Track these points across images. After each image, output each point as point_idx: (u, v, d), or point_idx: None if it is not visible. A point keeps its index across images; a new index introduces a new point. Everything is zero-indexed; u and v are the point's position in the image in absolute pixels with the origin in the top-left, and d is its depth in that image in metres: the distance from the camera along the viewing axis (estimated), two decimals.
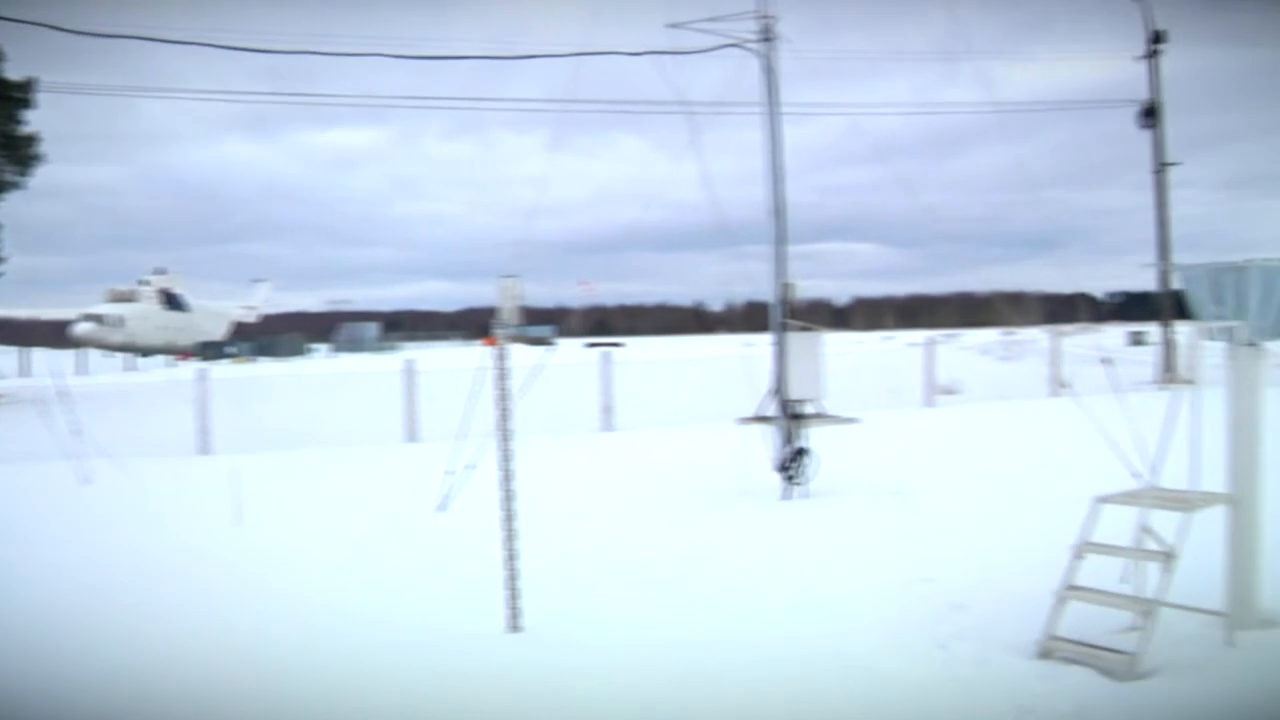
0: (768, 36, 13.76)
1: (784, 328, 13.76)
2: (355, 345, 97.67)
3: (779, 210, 13.71)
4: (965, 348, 45.53)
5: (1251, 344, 7.41)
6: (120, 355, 76.55)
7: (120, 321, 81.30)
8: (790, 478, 13.62)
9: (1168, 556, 6.93)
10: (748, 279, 14.05)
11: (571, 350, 48.44)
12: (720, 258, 13.91)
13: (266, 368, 54.41)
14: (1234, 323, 7.31)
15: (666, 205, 14.99)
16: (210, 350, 79.68)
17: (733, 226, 13.82)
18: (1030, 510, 11.85)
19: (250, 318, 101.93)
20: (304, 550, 10.95)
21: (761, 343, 14.64)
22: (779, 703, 6.38)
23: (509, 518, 7.99)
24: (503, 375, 8.08)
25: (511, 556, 7.92)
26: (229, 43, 15.67)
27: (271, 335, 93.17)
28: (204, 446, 20.55)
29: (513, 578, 7.88)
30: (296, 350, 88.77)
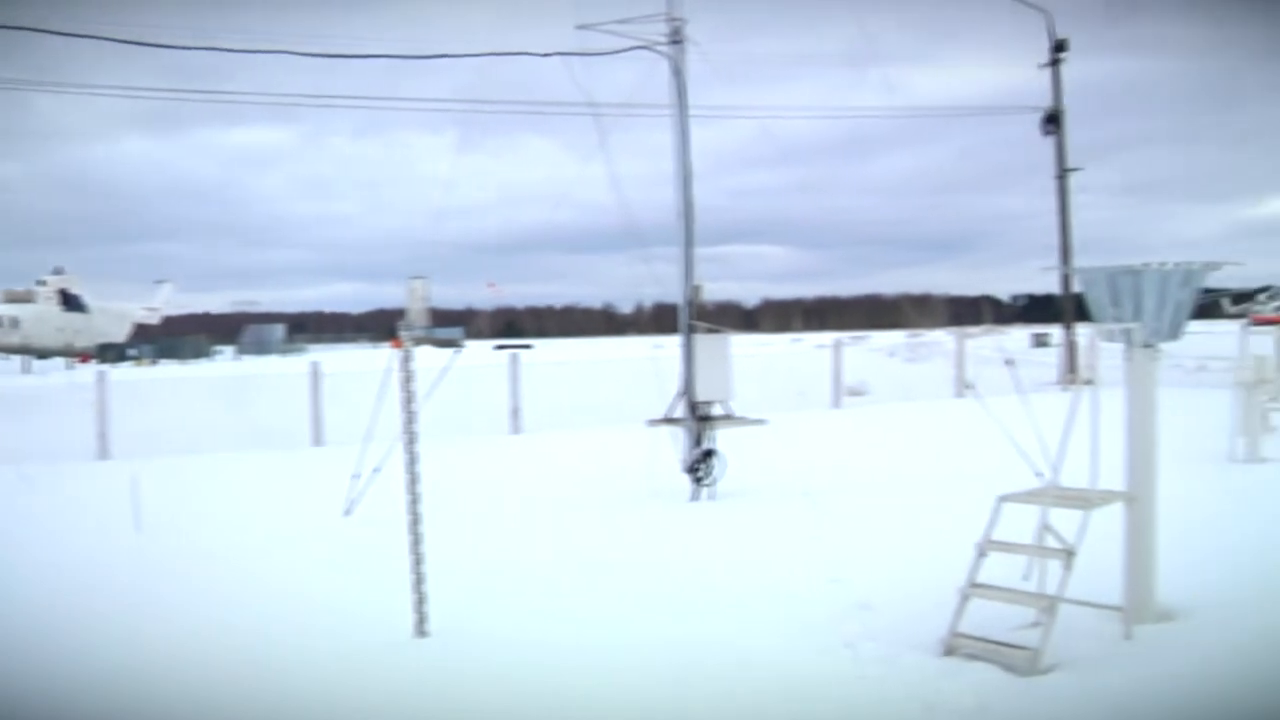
0: (677, 39, 13.78)
1: (692, 330, 13.83)
2: (261, 347, 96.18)
3: (687, 212, 13.74)
4: (873, 349, 46.05)
5: (1147, 345, 7.57)
6: (16, 358, 74.64)
7: (15, 323, 78.91)
8: (699, 479, 13.66)
9: (1068, 554, 7.05)
10: (657, 281, 14.10)
11: (480, 352, 48.17)
12: (629, 260, 13.92)
13: (169, 370, 53.48)
14: (1131, 325, 7.47)
15: (576, 207, 15.01)
16: (110, 352, 77.76)
17: (642, 229, 13.87)
18: (936, 510, 11.97)
19: (153, 319, 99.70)
20: (203, 557, 10.70)
21: (671, 345, 14.69)
22: (684, 702, 6.37)
23: (415, 522, 7.90)
24: (409, 378, 7.98)
25: (418, 561, 7.82)
26: (130, 37, 15.34)
27: (174, 337, 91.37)
28: (103, 451, 20.08)
29: (419, 582, 7.78)
30: (200, 352, 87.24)
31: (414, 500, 7.92)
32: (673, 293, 14.02)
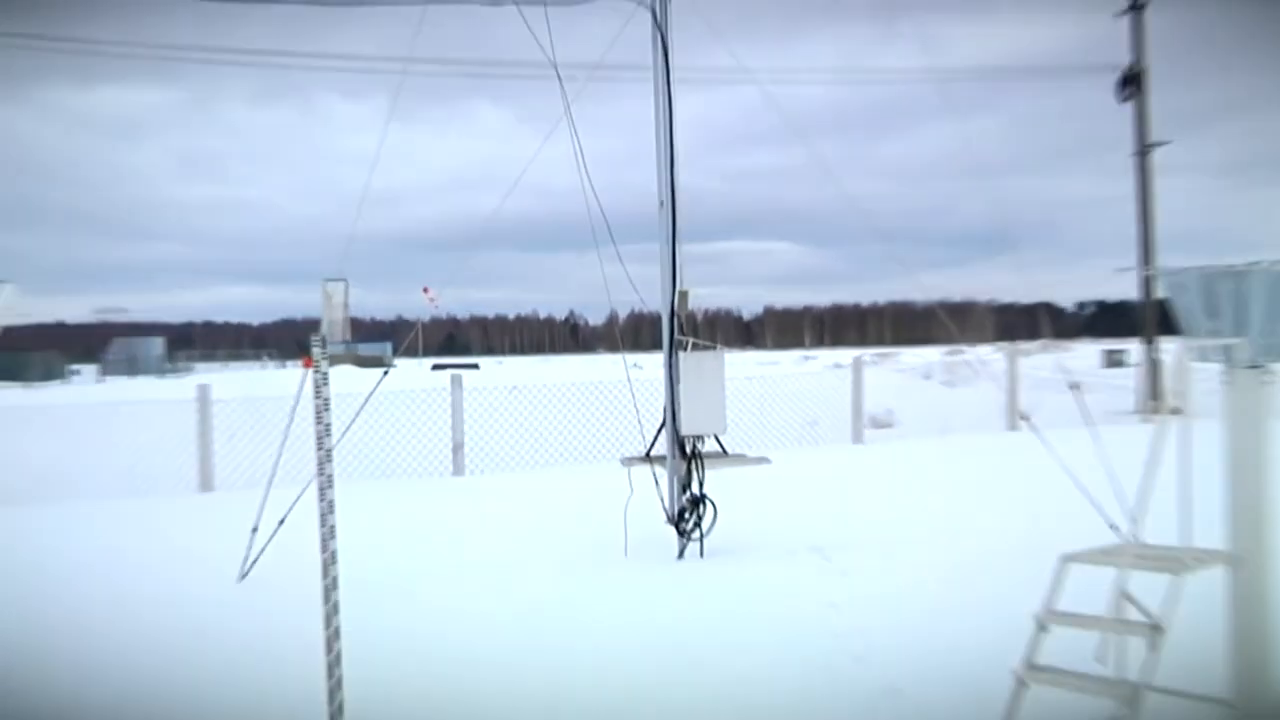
0: None
1: (677, 346, 13.82)
2: (133, 366, 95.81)
3: (671, 201, 13.70)
4: (902, 370, 46.20)
5: (1255, 366, 7.51)
6: None
7: None
8: (686, 532, 13.58)
9: (1154, 629, 6.97)
10: (633, 286, 13.98)
11: (415, 373, 48.02)
12: (599, 259, 13.80)
13: (10, 395, 53.03)
14: (1233, 340, 7.42)
15: (535, 193, 14.91)
16: None
17: (616, 220, 13.78)
18: (982, 571, 11.99)
19: None
20: (62, 626, 10.58)
21: (652, 364, 14.69)
22: None
23: (330, 588, 7.80)
24: (324, 406, 7.90)
25: (333, 637, 7.73)
26: None
27: (18, 353, 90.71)
28: None
29: (334, 663, 7.68)
30: (52, 373, 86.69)
31: (329, 561, 7.83)
32: (654, 300, 14.00)
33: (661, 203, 13.77)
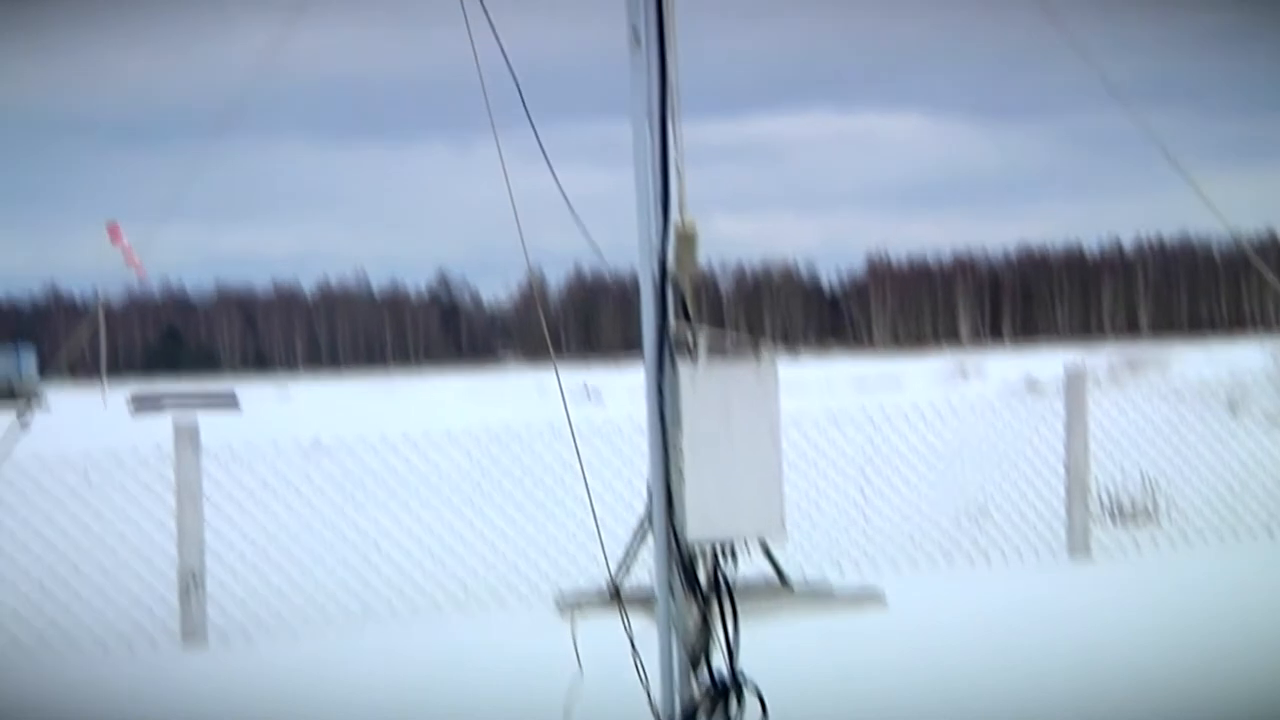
0: None
1: (674, 349, 12.27)
2: None
3: (659, 27, 12.19)
4: (1177, 391, 43.80)
5: None
6: None
7: None
8: None
9: None
10: (576, 218, 12.61)
11: (90, 416, 48.22)
12: (503, 157, 12.47)
13: None
14: None
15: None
16: None
17: (540, 71, 12.23)
18: None
19: None
20: None
21: (621, 389, 13.24)
22: None
23: None
24: None
25: None
26: None
27: None
28: None
29: None
30: None
31: None
32: (621, 249, 12.36)
33: (636, 33, 12.24)
